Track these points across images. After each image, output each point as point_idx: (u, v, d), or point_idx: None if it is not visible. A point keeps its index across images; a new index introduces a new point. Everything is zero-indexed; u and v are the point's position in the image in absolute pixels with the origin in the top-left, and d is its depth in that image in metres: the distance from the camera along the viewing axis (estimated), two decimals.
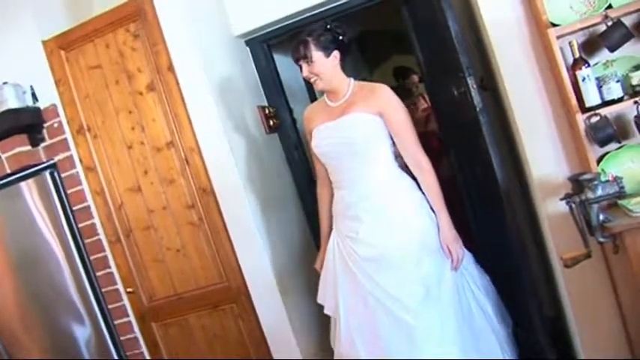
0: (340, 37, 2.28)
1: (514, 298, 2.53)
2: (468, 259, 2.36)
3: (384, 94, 2.25)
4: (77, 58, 2.87)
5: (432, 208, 2.28)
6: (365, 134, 2.23)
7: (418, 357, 2.12)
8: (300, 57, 2.25)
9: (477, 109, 2.39)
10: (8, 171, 2.96)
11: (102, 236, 2.97)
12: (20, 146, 2.94)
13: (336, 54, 2.27)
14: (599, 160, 2.15)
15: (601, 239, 1.95)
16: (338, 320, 2.31)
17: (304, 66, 2.26)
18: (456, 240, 2.25)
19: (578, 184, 2.02)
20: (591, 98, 2.05)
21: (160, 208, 2.87)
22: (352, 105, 2.27)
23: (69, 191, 2.96)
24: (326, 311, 2.40)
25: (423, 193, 2.29)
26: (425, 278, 2.17)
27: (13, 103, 2.83)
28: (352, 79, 2.35)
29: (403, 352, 2.14)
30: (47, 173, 2.93)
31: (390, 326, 2.17)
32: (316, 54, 2.24)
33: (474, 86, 2.39)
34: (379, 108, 2.23)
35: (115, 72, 2.82)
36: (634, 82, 2.05)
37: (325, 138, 2.31)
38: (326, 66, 2.26)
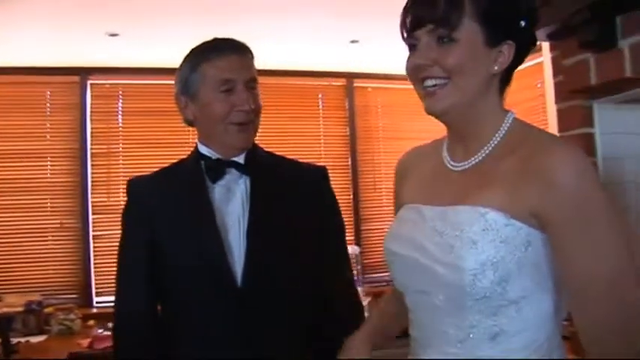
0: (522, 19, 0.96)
1: None
2: None
3: (557, 171, 0.88)
4: None
5: None
6: (485, 263, 0.90)
7: None
8: (430, 20, 0.94)
9: None
10: None
11: None
12: None
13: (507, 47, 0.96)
14: None
15: None
16: None
17: (424, 47, 0.95)
18: None
19: None
20: None
21: None
22: (492, 179, 0.95)
23: None
24: None
25: None
26: None
27: None
28: (513, 114, 1.01)
29: None
30: None
31: None
32: (469, 26, 0.93)
33: None
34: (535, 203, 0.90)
35: None
36: None
37: (404, 238, 1.02)
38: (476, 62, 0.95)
